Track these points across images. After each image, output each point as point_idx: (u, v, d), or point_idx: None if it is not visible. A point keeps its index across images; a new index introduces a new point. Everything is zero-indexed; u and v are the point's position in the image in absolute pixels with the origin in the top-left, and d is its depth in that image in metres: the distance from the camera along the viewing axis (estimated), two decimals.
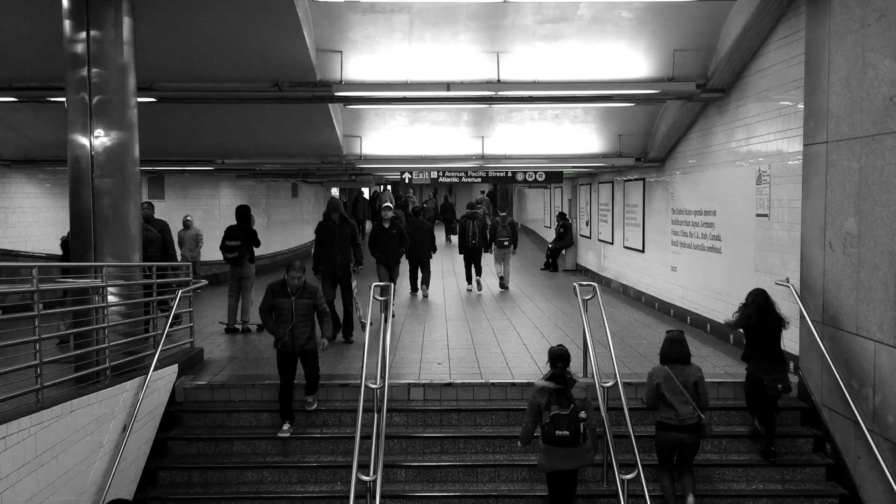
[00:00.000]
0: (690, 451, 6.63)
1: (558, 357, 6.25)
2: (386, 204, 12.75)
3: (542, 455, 6.31)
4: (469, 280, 15.37)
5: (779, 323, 7.29)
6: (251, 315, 11.06)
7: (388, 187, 36.95)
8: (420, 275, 14.43)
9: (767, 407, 7.21)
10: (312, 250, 10.46)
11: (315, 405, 7.74)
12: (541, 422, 6.19)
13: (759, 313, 7.28)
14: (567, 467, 6.28)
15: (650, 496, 6.17)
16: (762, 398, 7.18)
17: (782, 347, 7.31)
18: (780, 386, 7.02)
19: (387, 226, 12.28)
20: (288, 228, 24.11)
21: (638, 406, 7.50)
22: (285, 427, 7.52)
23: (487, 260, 16.21)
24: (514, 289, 15.64)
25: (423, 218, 15.86)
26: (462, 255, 15.35)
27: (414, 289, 14.64)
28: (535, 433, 6.39)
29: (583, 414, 6.12)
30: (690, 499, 6.58)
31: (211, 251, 15.74)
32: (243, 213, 10.96)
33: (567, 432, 6.04)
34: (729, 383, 7.92)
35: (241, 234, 10.75)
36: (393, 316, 10.71)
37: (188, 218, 15.81)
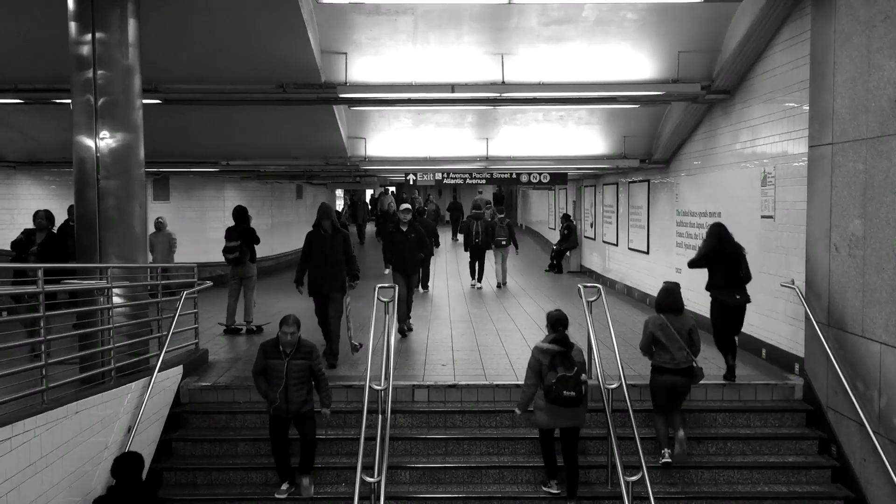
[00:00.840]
0: (682, 392, 7.10)
1: (558, 321, 6.67)
2: (405, 206, 11.28)
3: (542, 413, 6.64)
4: (473, 275, 16.48)
5: (738, 250, 7.93)
6: (254, 315, 11.09)
7: (392, 189, 36.80)
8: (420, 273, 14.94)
9: (732, 328, 7.96)
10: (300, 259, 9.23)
11: (312, 489, 6.96)
12: (543, 383, 6.50)
13: (720, 241, 7.96)
14: (568, 425, 6.64)
15: (655, 498, 6.15)
16: (727, 320, 7.90)
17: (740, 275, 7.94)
18: (738, 296, 7.80)
19: (405, 228, 10.78)
20: (292, 230, 24.12)
21: (643, 408, 7.49)
22: (283, 487, 6.98)
23: (490, 258, 16.97)
24: (518, 290, 15.69)
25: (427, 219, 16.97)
26: (468, 253, 16.53)
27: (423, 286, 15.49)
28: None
29: (584, 376, 6.55)
30: (681, 433, 6.98)
31: (216, 253, 15.72)
32: (240, 213, 11.00)
33: (574, 393, 6.42)
34: (734, 385, 7.91)
35: (239, 235, 10.80)
36: (410, 330, 10.65)
37: (160, 220, 13.44)
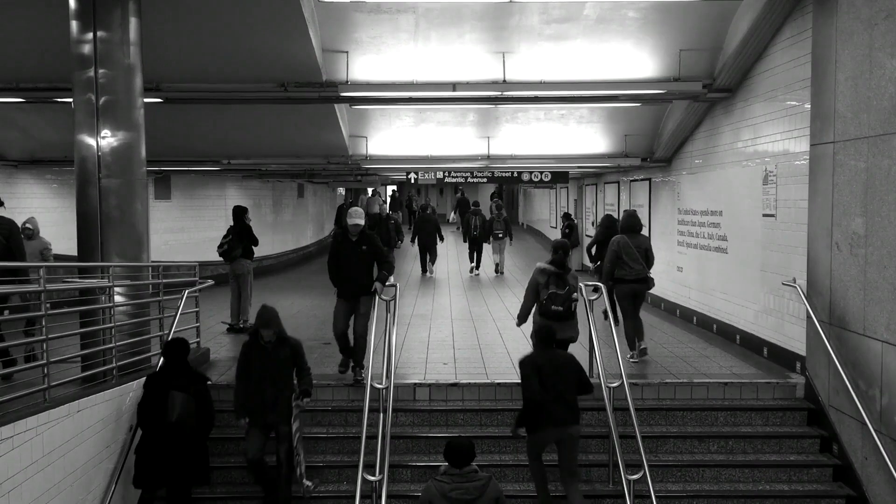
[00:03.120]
0: (640, 298, 8.83)
1: (560, 246, 7.62)
2: (354, 208, 8.20)
3: (537, 327, 7.15)
4: (471, 260, 18.67)
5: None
6: (251, 314, 11.04)
7: (375, 192, 36.12)
8: (428, 257, 18.34)
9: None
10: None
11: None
12: (539, 298, 7.39)
13: (608, 229, 9.65)
14: (558, 337, 6.96)
15: (656, 496, 6.16)
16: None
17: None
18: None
19: (354, 238, 7.93)
20: (294, 228, 24.16)
21: (644, 406, 7.49)
22: None
23: (487, 249, 19.16)
24: (519, 288, 15.71)
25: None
26: (466, 244, 18.89)
27: (424, 270, 18.37)
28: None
29: (575, 295, 7.39)
30: (643, 344, 8.66)
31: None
32: (235, 211, 11.09)
33: (561, 308, 7.31)
34: (735, 384, 7.90)
35: (233, 231, 10.86)
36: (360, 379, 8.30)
37: (28, 225, 9.29)
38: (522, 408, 6.42)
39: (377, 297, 7.73)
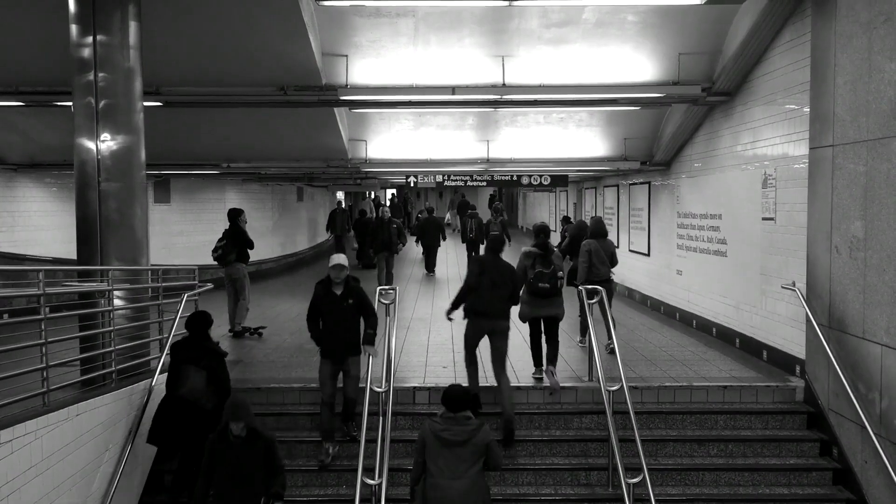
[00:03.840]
0: (609, 297, 8.92)
1: (540, 230, 8.25)
2: (337, 263, 7.25)
3: (525, 306, 8.03)
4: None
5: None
6: (246, 318, 11.00)
7: (371, 196, 35.80)
8: (428, 258, 19.09)
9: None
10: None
11: None
12: (527, 278, 7.88)
13: (581, 230, 10.62)
14: (547, 314, 7.99)
15: (656, 500, 6.15)
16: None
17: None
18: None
19: (338, 291, 7.22)
20: (293, 232, 24.14)
21: (644, 410, 7.49)
22: None
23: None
24: None
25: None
26: (465, 244, 19.69)
27: (429, 270, 19.18)
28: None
29: (560, 274, 7.95)
30: (613, 344, 8.30)
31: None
32: (230, 215, 11.08)
33: (547, 285, 7.87)
34: (735, 387, 7.90)
35: (227, 234, 10.84)
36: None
37: None
38: (458, 292, 7.72)
39: (369, 357, 7.18)
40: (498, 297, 7.54)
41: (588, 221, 11.73)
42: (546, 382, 8.00)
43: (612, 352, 8.77)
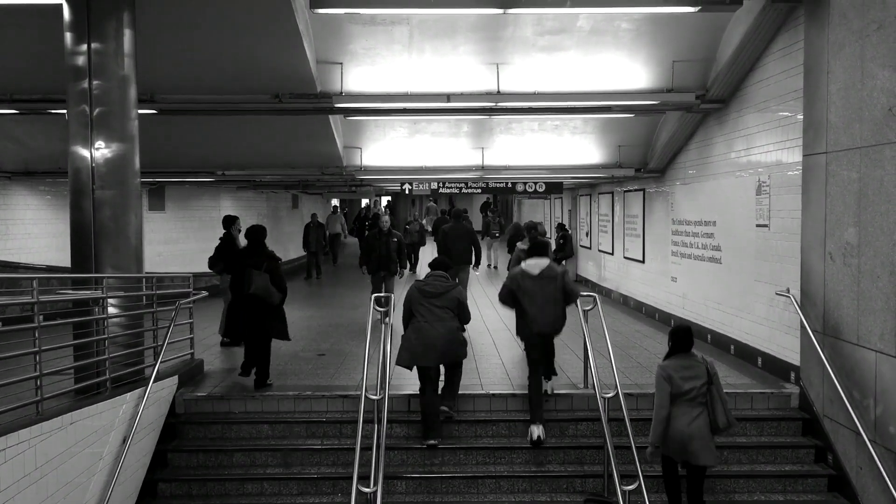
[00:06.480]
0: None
1: (532, 227, 9.56)
2: None
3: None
4: None
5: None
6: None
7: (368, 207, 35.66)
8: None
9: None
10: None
11: None
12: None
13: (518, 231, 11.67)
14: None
15: None
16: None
17: None
18: None
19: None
20: (288, 240, 24.12)
21: (639, 417, 7.48)
22: None
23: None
24: None
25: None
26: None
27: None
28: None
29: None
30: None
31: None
32: (224, 223, 10.88)
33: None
34: (730, 394, 7.87)
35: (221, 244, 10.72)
36: None
37: None
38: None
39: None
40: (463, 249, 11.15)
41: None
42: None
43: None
